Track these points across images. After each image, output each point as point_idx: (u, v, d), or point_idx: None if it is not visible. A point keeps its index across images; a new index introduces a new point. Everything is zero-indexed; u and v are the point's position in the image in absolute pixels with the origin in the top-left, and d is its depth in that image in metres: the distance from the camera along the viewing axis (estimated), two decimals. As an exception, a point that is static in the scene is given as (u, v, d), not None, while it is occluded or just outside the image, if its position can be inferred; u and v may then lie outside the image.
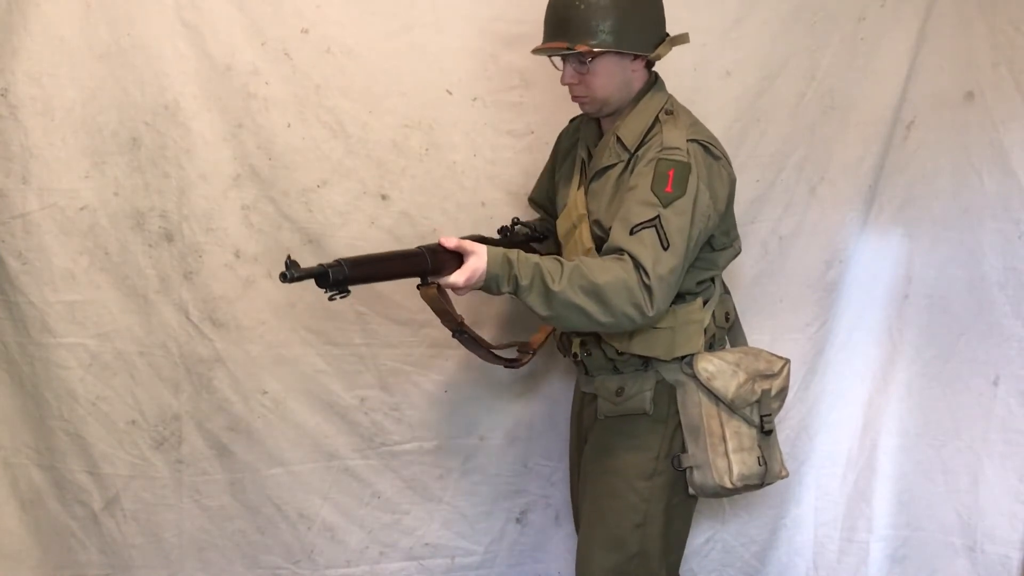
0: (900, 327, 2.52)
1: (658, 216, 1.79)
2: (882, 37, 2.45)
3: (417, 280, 1.77)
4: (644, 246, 1.77)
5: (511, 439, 2.42)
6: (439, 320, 1.87)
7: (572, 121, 2.16)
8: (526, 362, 2.13)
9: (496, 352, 2.03)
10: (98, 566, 2.16)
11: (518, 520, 2.47)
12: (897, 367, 2.53)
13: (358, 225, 2.19)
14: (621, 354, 1.95)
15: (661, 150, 1.85)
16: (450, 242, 1.75)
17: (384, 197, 2.21)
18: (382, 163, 2.20)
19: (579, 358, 2.03)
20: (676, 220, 1.80)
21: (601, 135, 2.02)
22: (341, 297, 1.66)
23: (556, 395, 2.43)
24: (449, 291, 1.79)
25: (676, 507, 1.99)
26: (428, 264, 1.73)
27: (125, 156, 2.04)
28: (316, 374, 2.22)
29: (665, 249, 1.78)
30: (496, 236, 2.13)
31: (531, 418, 2.43)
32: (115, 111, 2.02)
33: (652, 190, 1.81)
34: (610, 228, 1.87)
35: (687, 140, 1.86)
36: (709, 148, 1.88)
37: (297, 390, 2.21)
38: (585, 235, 1.95)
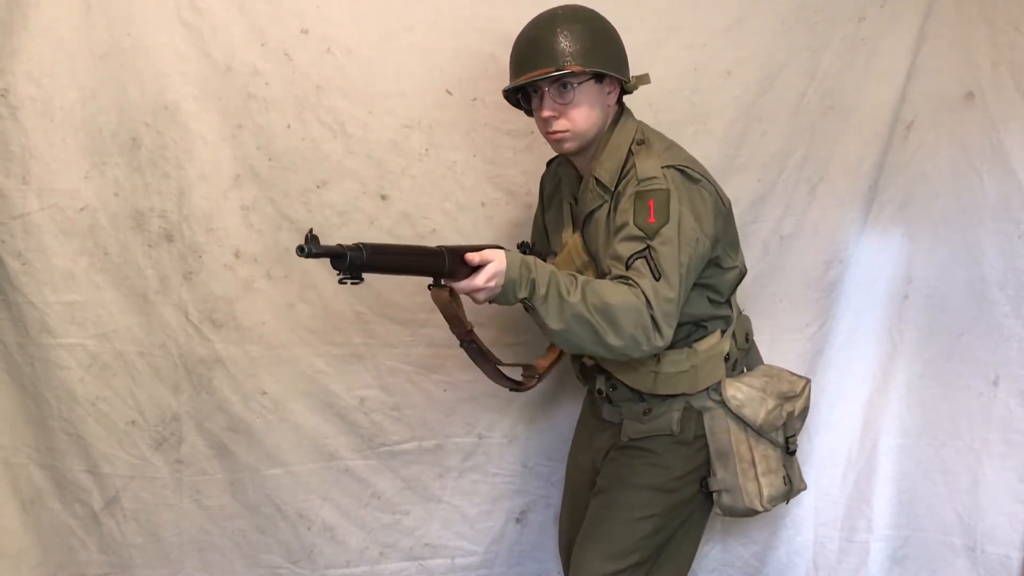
0: (900, 327, 2.52)
1: (647, 247, 1.76)
2: (882, 37, 2.45)
3: (428, 280, 1.72)
4: (641, 276, 1.74)
5: (511, 438, 2.42)
6: (448, 326, 1.84)
7: (549, 165, 2.14)
8: (532, 386, 2.10)
9: (502, 370, 1.99)
10: (98, 565, 2.16)
11: (518, 520, 2.47)
12: (897, 367, 2.53)
13: (358, 225, 2.19)
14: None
15: (639, 183, 1.81)
16: (474, 259, 1.67)
17: (384, 197, 2.21)
18: (382, 163, 2.20)
19: (604, 393, 2.02)
20: (664, 249, 1.76)
21: (579, 178, 1.99)
22: (352, 283, 1.57)
23: (556, 395, 2.44)
24: (464, 297, 1.75)
25: (685, 526, 2.00)
26: (446, 265, 1.67)
27: (125, 156, 2.04)
28: (316, 374, 2.22)
29: (657, 279, 1.74)
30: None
31: (531, 417, 2.43)
32: (115, 111, 2.02)
33: (635, 223, 1.78)
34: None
35: (662, 167, 1.82)
36: (686, 172, 1.84)
37: (297, 390, 2.21)
38: None
